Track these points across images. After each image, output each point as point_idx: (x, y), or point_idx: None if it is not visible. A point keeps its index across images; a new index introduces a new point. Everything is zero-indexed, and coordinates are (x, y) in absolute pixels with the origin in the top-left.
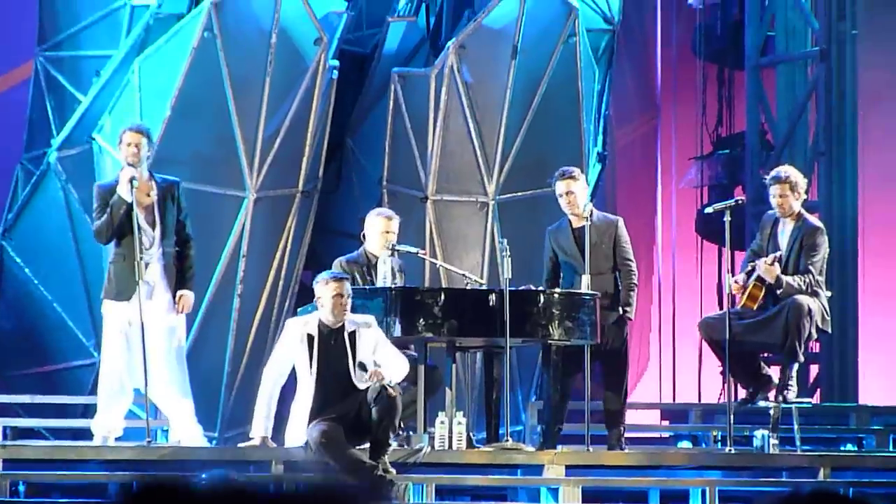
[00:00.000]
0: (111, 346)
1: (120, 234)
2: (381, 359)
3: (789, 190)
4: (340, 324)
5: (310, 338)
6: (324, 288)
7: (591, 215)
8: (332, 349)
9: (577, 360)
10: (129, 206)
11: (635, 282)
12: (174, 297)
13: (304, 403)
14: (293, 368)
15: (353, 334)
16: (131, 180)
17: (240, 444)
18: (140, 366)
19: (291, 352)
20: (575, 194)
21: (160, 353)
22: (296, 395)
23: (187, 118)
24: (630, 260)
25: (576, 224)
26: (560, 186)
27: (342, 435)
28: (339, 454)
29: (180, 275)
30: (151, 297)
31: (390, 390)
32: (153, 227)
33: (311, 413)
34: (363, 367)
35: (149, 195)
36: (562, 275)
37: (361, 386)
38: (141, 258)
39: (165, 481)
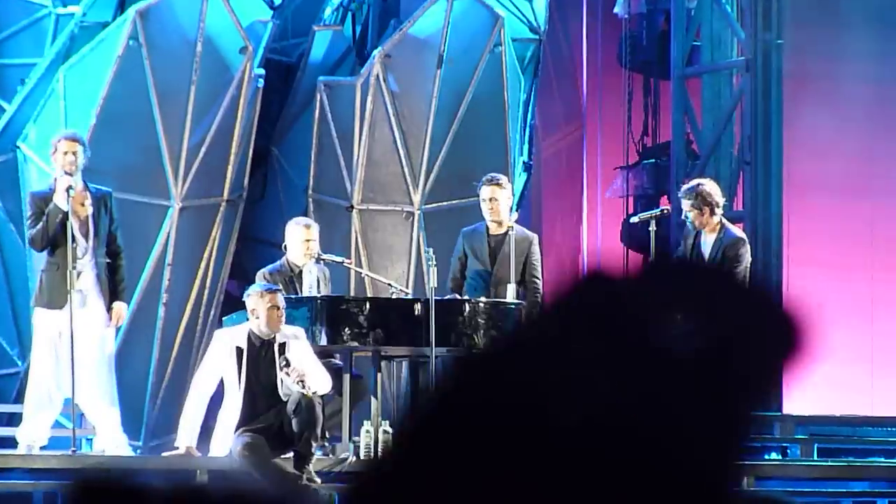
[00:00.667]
0: (40, 355)
1: (53, 242)
2: (304, 370)
3: (700, 204)
4: (272, 336)
5: (238, 350)
6: (259, 300)
7: (512, 226)
8: (262, 361)
9: None
10: (65, 215)
11: (539, 301)
12: (107, 307)
13: (231, 414)
14: (221, 380)
15: (282, 346)
16: (68, 189)
17: (164, 454)
18: (68, 375)
19: (219, 363)
20: (499, 201)
21: (90, 362)
22: (222, 405)
23: (112, 127)
24: (538, 278)
25: (493, 231)
26: (485, 191)
27: (266, 446)
28: (263, 465)
29: (113, 286)
30: (84, 305)
31: (306, 391)
32: (87, 236)
33: (238, 424)
34: (287, 364)
35: (83, 205)
36: (467, 278)
37: (285, 397)
38: (74, 267)
39: (108, 482)
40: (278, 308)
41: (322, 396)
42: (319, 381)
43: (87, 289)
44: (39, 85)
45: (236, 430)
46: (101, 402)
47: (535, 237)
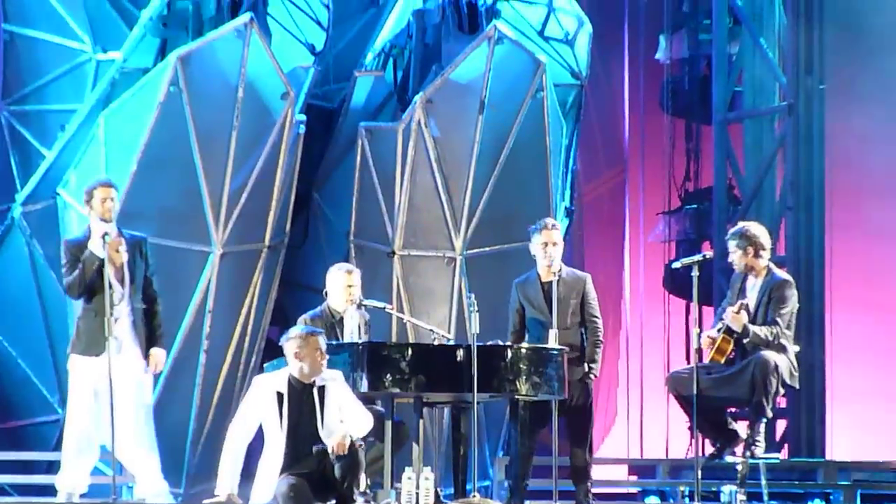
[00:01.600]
0: (78, 402)
1: (90, 290)
2: (345, 414)
3: (745, 245)
4: (312, 380)
5: (279, 395)
6: (302, 343)
7: (560, 270)
8: (302, 405)
9: (543, 414)
10: (101, 262)
11: (601, 339)
12: (143, 353)
13: (273, 460)
14: (260, 426)
15: (321, 389)
16: (104, 236)
17: (205, 501)
18: (107, 422)
19: (259, 409)
20: (556, 245)
21: (128, 410)
22: (263, 452)
23: (153, 172)
24: (597, 317)
25: (545, 278)
26: (545, 236)
27: (309, 490)
28: None
29: (150, 332)
30: (120, 352)
31: (353, 444)
32: (122, 283)
33: (281, 469)
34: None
35: (118, 251)
36: (528, 328)
37: (328, 443)
38: (111, 314)
39: None
40: (321, 350)
41: (364, 440)
42: (360, 426)
43: (124, 335)
44: (80, 131)
45: (280, 474)
46: (140, 450)
47: (588, 276)
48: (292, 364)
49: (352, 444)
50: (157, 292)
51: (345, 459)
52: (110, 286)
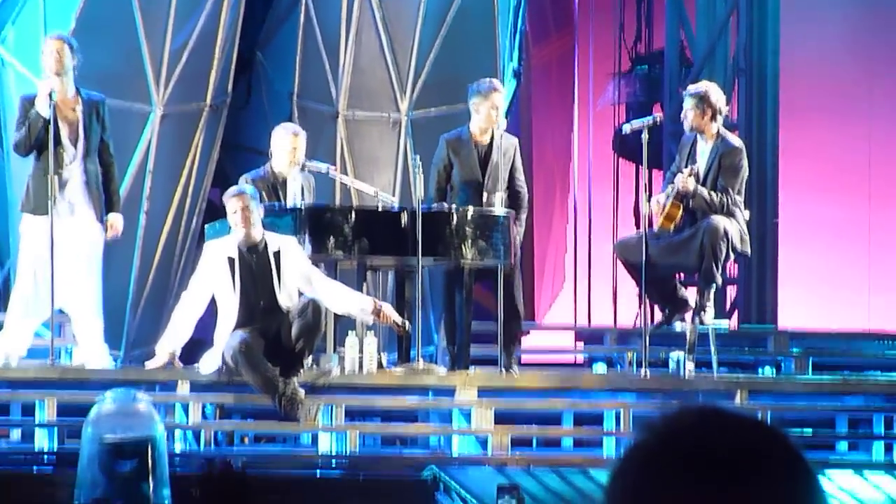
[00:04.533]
0: (25, 264)
1: (38, 148)
2: (326, 294)
3: (703, 106)
4: (260, 241)
5: (230, 260)
6: (227, 204)
7: (501, 132)
8: (255, 269)
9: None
10: (46, 121)
11: (526, 206)
12: (98, 216)
13: (225, 328)
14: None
15: (277, 253)
16: (50, 94)
17: (147, 363)
18: (64, 282)
19: (211, 276)
20: (499, 109)
21: (78, 271)
22: (217, 322)
23: (93, 31)
24: (523, 183)
25: (478, 137)
26: (495, 99)
27: (261, 349)
28: (254, 366)
29: (107, 197)
30: (73, 214)
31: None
32: (75, 143)
33: (234, 328)
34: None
35: (74, 110)
36: (454, 189)
37: (284, 305)
38: (60, 174)
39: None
40: (246, 209)
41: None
42: (342, 292)
43: (76, 197)
44: None
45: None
46: (86, 313)
47: (516, 140)
48: (232, 226)
49: (314, 306)
50: (114, 156)
51: (307, 318)
52: (58, 144)
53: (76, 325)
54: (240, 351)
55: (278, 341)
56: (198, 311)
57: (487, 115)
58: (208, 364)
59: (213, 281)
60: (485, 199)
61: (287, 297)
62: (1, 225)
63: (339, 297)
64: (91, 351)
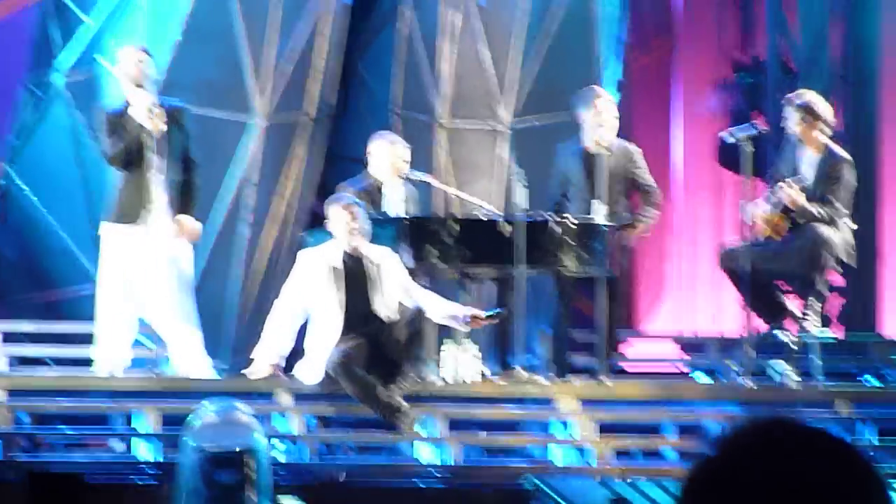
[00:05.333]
0: (110, 272)
1: (130, 159)
2: (423, 303)
3: (804, 115)
4: (359, 252)
5: (333, 269)
6: (334, 214)
7: (610, 143)
8: (356, 279)
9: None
10: (146, 133)
11: (657, 202)
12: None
13: (322, 336)
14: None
15: (377, 264)
16: (151, 107)
17: (244, 371)
18: (144, 294)
19: (308, 284)
20: (604, 115)
21: (166, 282)
22: (309, 330)
23: (195, 42)
24: (652, 185)
25: (592, 150)
26: (597, 105)
27: (362, 359)
28: (354, 378)
29: (185, 202)
30: (156, 223)
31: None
32: (158, 153)
33: (339, 341)
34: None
35: (157, 121)
36: (568, 198)
37: (383, 314)
38: (151, 184)
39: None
40: (355, 220)
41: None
42: (439, 302)
43: (160, 207)
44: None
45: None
46: (179, 324)
47: (637, 150)
48: (335, 236)
49: (421, 314)
50: (195, 162)
51: (414, 327)
52: (155, 157)
53: (171, 338)
54: (340, 363)
55: (378, 349)
56: (297, 320)
57: (594, 123)
58: (303, 373)
59: (309, 290)
60: (601, 209)
61: (385, 307)
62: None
63: (434, 306)
64: (193, 361)
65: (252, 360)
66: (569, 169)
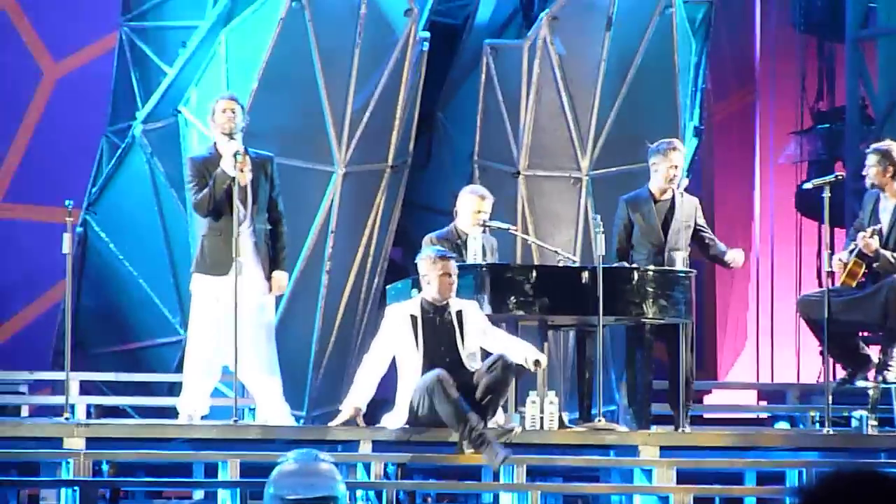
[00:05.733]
0: (200, 323)
1: (217, 208)
2: (498, 344)
3: (885, 163)
4: (445, 303)
5: (413, 318)
6: (430, 266)
7: (682, 192)
8: (438, 327)
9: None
10: (232, 181)
11: (722, 247)
12: (265, 275)
13: (407, 388)
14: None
15: (459, 313)
16: (236, 154)
17: (331, 423)
18: (229, 343)
19: (393, 335)
20: (680, 168)
21: (250, 331)
22: (399, 382)
23: (274, 91)
24: (713, 236)
25: (659, 196)
26: (673, 158)
27: (454, 384)
28: (449, 396)
29: (274, 254)
30: (241, 273)
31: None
32: (245, 203)
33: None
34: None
35: (243, 171)
36: (634, 245)
37: (468, 363)
38: (238, 233)
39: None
40: (450, 275)
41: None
42: (525, 349)
43: (246, 256)
44: (201, 48)
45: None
46: (262, 373)
47: (696, 200)
48: (423, 286)
49: (504, 362)
50: (283, 213)
51: (496, 374)
52: (240, 206)
53: (253, 386)
54: (436, 381)
55: (464, 396)
56: (380, 371)
57: (666, 175)
58: (390, 423)
59: (395, 341)
60: (666, 258)
61: (469, 356)
62: (184, 285)
63: (509, 347)
64: (273, 410)
65: (339, 410)
66: (638, 217)
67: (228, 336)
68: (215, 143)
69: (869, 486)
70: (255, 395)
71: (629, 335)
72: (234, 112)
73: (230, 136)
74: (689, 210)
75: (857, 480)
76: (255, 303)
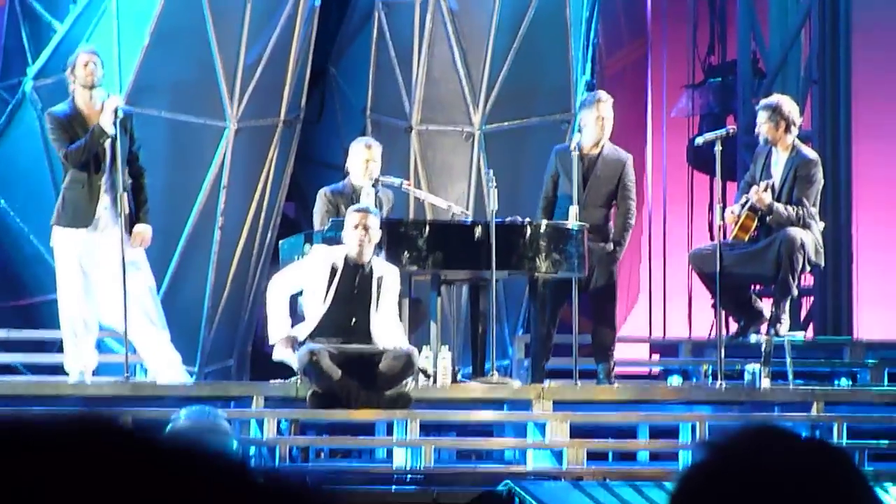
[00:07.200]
0: (67, 277)
1: (88, 159)
2: (385, 323)
3: (776, 119)
4: (367, 263)
5: (333, 269)
6: (347, 219)
7: (602, 146)
8: (357, 286)
9: (564, 292)
10: (108, 137)
11: (632, 222)
12: (127, 229)
13: (306, 329)
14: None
15: (380, 279)
16: (116, 110)
17: (274, 356)
18: (102, 297)
19: (310, 276)
20: (608, 120)
21: (128, 286)
22: (303, 322)
23: (166, 46)
24: (632, 199)
25: (587, 151)
26: (599, 109)
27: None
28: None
29: (136, 207)
30: (101, 227)
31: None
32: (104, 156)
33: (312, 335)
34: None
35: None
36: (557, 198)
37: (375, 331)
38: (99, 186)
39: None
40: (362, 228)
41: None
42: (402, 337)
43: (103, 210)
44: (91, 4)
45: (310, 338)
46: (147, 327)
47: (629, 157)
48: (345, 241)
49: (409, 360)
50: (143, 167)
51: (396, 365)
52: (111, 161)
53: (141, 342)
54: (309, 361)
55: (362, 363)
56: (288, 298)
57: (595, 127)
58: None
59: (309, 281)
60: (573, 211)
61: (378, 324)
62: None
63: (385, 334)
64: (162, 360)
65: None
66: (563, 169)
67: (99, 290)
68: (73, 97)
69: (776, 441)
70: (141, 350)
71: (524, 289)
72: (95, 65)
73: (91, 88)
74: (614, 166)
75: (763, 435)
76: (128, 258)
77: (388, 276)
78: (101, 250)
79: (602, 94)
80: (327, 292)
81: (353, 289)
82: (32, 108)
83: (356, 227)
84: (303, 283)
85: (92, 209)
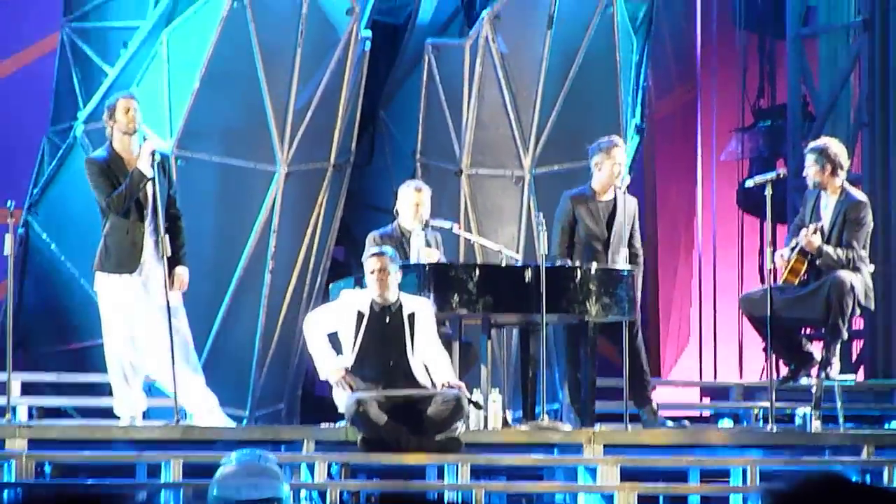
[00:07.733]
0: (113, 323)
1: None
2: (429, 358)
3: (823, 162)
4: (395, 302)
5: (360, 316)
6: (365, 264)
7: (625, 190)
8: (387, 329)
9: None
10: (147, 181)
11: (641, 266)
12: (167, 273)
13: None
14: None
15: (412, 316)
16: (153, 153)
17: (335, 394)
18: (148, 341)
19: (337, 320)
20: (621, 165)
21: (163, 333)
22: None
23: (216, 90)
24: (639, 245)
25: (601, 195)
26: (617, 155)
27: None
28: (371, 425)
29: (173, 250)
30: (142, 273)
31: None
32: (145, 201)
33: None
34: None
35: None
36: (577, 244)
37: (416, 369)
38: (148, 233)
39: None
40: (380, 271)
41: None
42: (450, 371)
43: (148, 255)
44: (142, 48)
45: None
46: (183, 370)
47: (636, 200)
48: (369, 284)
49: (458, 404)
50: (180, 211)
51: (444, 410)
52: (153, 205)
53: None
54: (356, 411)
55: (410, 408)
56: (326, 335)
57: (609, 172)
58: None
59: (338, 326)
60: (609, 256)
61: (418, 362)
62: None
63: (431, 369)
64: (201, 406)
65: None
66: (582, 214)
67: (141, 336)
68: (111, 143)
69: (838, 489)
70: (180, 395)
71: (571, 333)
72: (136, 111)
73: (131, 135)
74: (631, 209)
75: (826, 483)
76: (163, 301)
77: (419, 312)
78: (146, 294)
79: (617, 139)
80: (355, 340)
81: (384, 331)
82: (83, 152)
83: (372, 272)
84: (335, 326)
85: (137, 254)
